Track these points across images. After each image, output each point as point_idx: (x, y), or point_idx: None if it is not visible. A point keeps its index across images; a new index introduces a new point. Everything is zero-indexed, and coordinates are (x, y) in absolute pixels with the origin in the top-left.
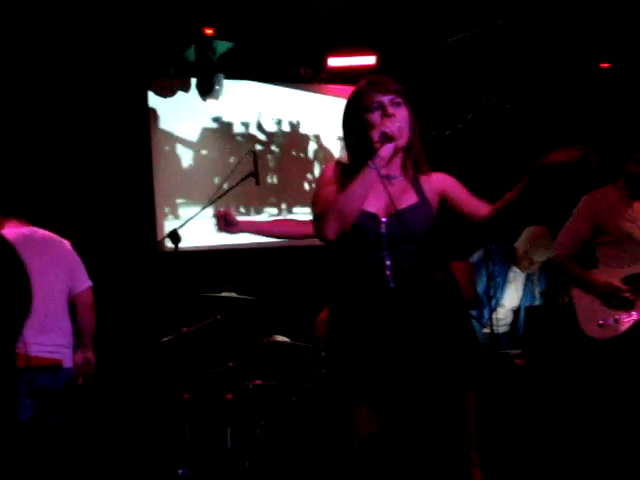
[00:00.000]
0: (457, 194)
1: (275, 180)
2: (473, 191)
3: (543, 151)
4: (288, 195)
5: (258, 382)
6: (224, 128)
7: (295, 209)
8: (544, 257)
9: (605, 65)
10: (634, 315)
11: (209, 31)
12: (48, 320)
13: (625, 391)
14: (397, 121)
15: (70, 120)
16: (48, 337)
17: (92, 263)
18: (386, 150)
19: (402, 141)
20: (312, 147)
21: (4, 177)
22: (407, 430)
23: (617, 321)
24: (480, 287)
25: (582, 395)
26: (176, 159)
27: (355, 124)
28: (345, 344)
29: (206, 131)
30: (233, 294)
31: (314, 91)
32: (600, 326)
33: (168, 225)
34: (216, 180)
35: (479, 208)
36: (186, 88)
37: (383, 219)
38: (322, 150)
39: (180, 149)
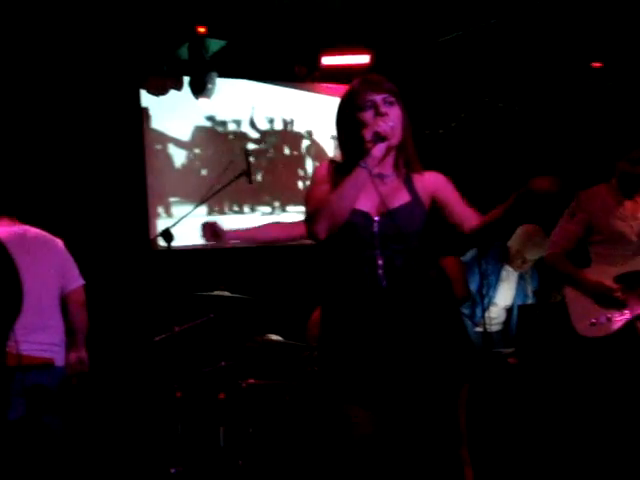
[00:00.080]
0: (447, 199)
1: (268, 179)
2: (466, 190)
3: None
4: (281, 194)
5: (251, 381)
6: (217, 126)
7: (288, 207)
8: (537, 256)
9: (597, 64)
10: (626, 314)
11: (202, 29)
12: (40, 318)
13: (617, 389)
14: (390, 120)
15: (62, 118)
16: (40, 335)
17: (85, 262)
18: (378, 150)
19: (395, 140)
20: (305, 145)
21: None
22: (399, 428)
23: (609, 320)
24: (473, 286)
25: (575, 393)
26: (169, 157)
27: (348, 123)
28: (338, 343)
29: (199, 129)
30: (226, 293)
31: (308, 90)
32: (592, 325)
33: (161, 224)
34: (209, 179)
35: (467, 218)
36: (179, 86)
37: (376, 218)
38: (315, 149)
39: (173, 147)
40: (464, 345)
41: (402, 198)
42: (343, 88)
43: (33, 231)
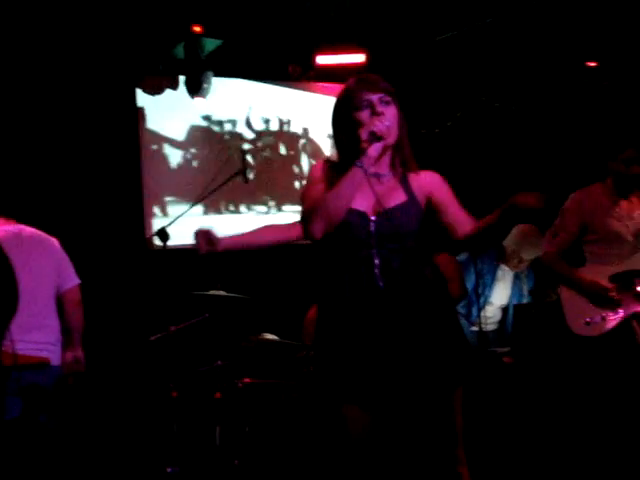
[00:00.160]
0: (443, 201)
1: (264, 178)
2: (462, 189)
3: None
4: (277, 193)
5: (247, 380)
6: (213, 126)
7: (284, 207)
8: (533, 255)
9: (592, 64)
10: (621, 313)
11: (197, 29)
12: (35, 318)
13: (612, 388)
14: (386, 120)
15: (58, 118)
16: (35, 335)
17: (81, 261)
18: (374, 149)
19: (391, 139)
20: (301, 145)
21: None
22: (395, 428)
23: (604, 319)
24: (469, 285)
25: (570, 392)
26: (165, 157)
27: (344, 122)
28: (334, 343)
29: (195, 129)
30: (222, 292)
31: (303, 89)
32: (587, 324)
33: (157, 223)
34: (205, 178)
35: (461, 223)
36: (174, 86)
37: (372, 217)
38: (311, 148)
39: (168, 147)
40: (460, 345)
41: (398, 198)
42: (338, 87)
43: (28, 230)
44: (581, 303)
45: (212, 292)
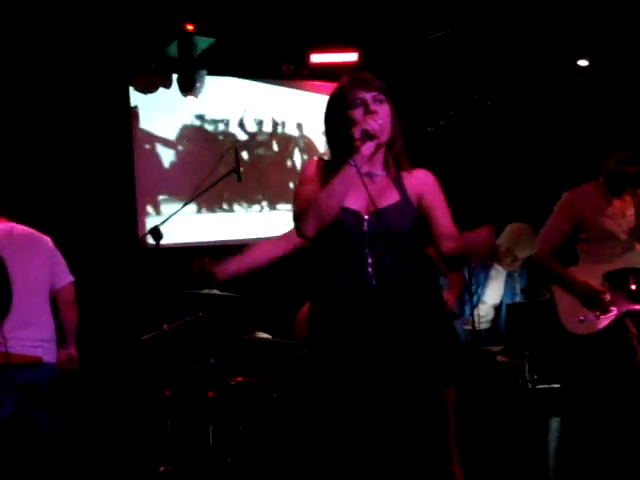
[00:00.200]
0: (430, 208)
1: (257, 176)
2: (455, 188)
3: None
4: (271, 191)
5: (240, 379)
6: (206, 124)
7: (278, 205)
8: (527, 253)
9: (584, 63)
10: (614, 311)
11: (190, 27)
12: (29, 316)
13: (607, 385)
14: (379, 118)
15: (51, 116)
16: (29, 332)
17: (74, 260)
18: (367, 148)
19: (383, 138)
20: (294, 143)
21: None
22: (387, 427)
23: (598, 317)
24: None
25: (564, 390)
26: (158, 155)
27: (337, 121)
28: (326, 342)
29: (188, 127)
30: (215, 291)
31: (296, 87)
32: (581, 322)
33: (150, 222)
34: (198, 176)
35: (444, 238)
36: (167, 84)
37: (365, 217)
38: (305, 146)
39: (162, 145)
40: (453, 344)
41: (392, 197)
42: (332, 86)
43: (20, 228)
44: (575, 301)
45: (205, 291)
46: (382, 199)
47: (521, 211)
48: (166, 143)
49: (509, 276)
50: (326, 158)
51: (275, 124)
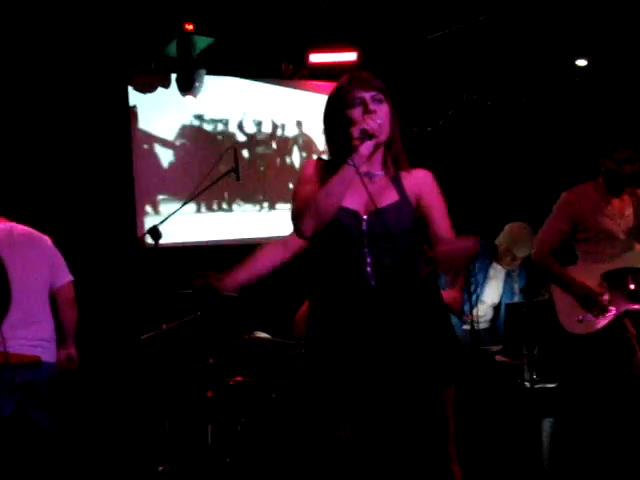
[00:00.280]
0: (428, 209)
1: (257, 176)
2: (454, 187)
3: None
4: (270, 191)
5: (239, 379)
6: (205, 124)
7: (278, 205)
8: (526, 253)
9: (583, 63)
10: (613, 310)
11: (189, 27)
12: (29, 315)
13: (605, 385)
14: (378, 118)
15: (50, 115)
16: (29, 331)
17: (72, 260)
18: (366, 147)
19: (382, 137)
20: (293, 143)
21: None
22: (386, 427)
23: (596, 316)
24: None
25: (563, 389)
26: (157, 155)
27: (336, 120)
28: (325, 341)
29: (187, 127)
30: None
31: (295, 87)
32: (580, 322)
33: (149, 221)
34: (197, 176)
35: (439, 242)
36: (166, 84)
37: (364, 216)
38: (304, 146)
39: (161, 145)
40: (452, 344)
41: (391, 197)
42: (331, 85)
43: (20, 228)
44: (573, 301)
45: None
46: (381, 199)
47: (520, 211)
48: (165, 143)
49: (508, 275)
50: (325, 158)
51: (274, 124)
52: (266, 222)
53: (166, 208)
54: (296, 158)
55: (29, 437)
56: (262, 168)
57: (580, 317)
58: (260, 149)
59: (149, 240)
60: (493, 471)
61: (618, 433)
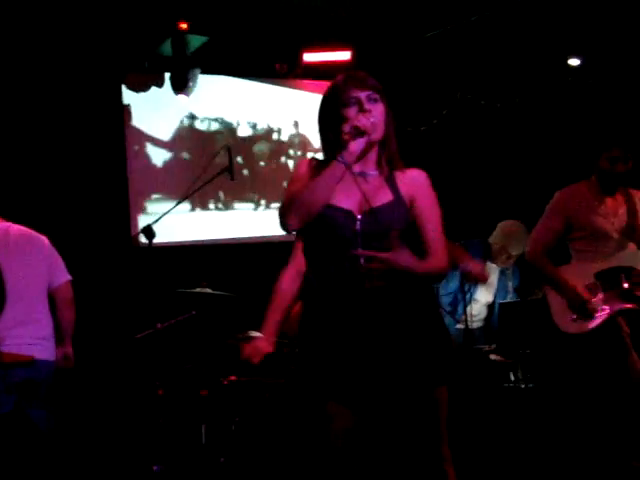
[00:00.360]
0: (421, 210)
1: (251, 175)
2: (448, 187)
3: (517, 147)
4: (264, 190)
5: (233, 378)
6: (199, 123)
7: (272, 204)
8: (520, 251)
9: (576, 62)
10: (607, 310)
11: (183, 25)
12: (26, 314)
13: (599, 384)
14: (372, 117)
15: (43, 115)
16: (27, 330)
17: (66, 258)
18: (356, 145)
19: (376, 136)
20: (288, 142)
21: None
22: (379, 426)
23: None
24: (454, 283)
25: (557, 389)
26: (150, 154)
27: (331, 119)
28: (318, 341)
29: (181, 126)
30: (208, 290)
31: (290, 86)
32: (574, 321)
33: (143, 220)
34: (191, 175)
35: (427, 248)
36: (160, 83)
37: (358, 216)
38: (298, 145)
39: (154, 144)
40: (444, 344)
41: (385, 197)
42: (325, 84)
43: (16, 228)
44: None
45: (198, 290)
46: (375, 198)
47: (514, 209)
48: (159, 142)
49: (502, 274)
50: (319, 157)
51: (268, 123)
52: (260, 221)
53: (160, 207)
54: (291, 157)
55: (27, 435)
56: (256, 167)
57: (574, 316)
58: (254, 148)
59: (143, 239)
60: (487, 472)
61: (613, 432)
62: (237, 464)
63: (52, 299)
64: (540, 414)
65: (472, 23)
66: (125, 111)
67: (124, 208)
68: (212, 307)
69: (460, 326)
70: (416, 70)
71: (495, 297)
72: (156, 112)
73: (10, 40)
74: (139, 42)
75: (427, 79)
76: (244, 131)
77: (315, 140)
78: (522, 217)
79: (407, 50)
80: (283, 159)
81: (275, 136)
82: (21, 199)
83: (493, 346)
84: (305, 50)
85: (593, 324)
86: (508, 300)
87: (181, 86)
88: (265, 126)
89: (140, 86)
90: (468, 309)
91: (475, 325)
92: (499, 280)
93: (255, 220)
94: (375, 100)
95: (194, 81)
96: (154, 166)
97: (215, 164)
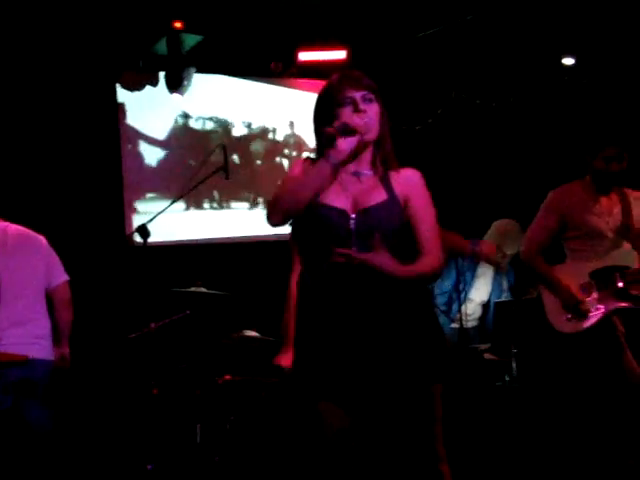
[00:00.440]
0: (415, 210)
1: (246, 174)
2: (443, 186)
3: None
4: (259, 189)
5: (227, 377)
6: (194, 122)
7: None
8: (515, 249)
9: (571, 62)
10: (602, 309)
11: (178, 24)
12: (24, 314)
13: (594, 383)
14: (366, 117)
15: (38, 113)
16: (25, 330)
17: (61, 258)
18: (346, 144)
19: (370, 136)
20: (283, 141)
21: None
22: (373, 425)
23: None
24: (449, 282)
25: (552, 388)
26: (145, 153)
27: (326, 119)
28: (312, 339)
29: (176, 125)
30: (202, 289)
31: (285, 85)
32: (568, 320)
33: (137, 219)
34: (186, 174)
35: (421, 249)
36: (154, 82)
37: (352, 215)
38: (293, 144)
39: (149, 143)
40: (438, 342)
41: (379, 196)
42: (320, 84)
43: (14, 228)
44: None
45: (192, 289)
46: (369, 198)
47: (508, 209)
48: (154, 141)
49: (496, 273)
50: (314, 157)
51: (263, 122)
52: (255, 220)
53: (155, 206)
54: (286, 156)
55: (25, 434)
56: (251, 166)
57: (569, 315)
58: (249, 147)
59: (137, 238)
60: (482, 471)
61: (608, 431)
62: (232, 463)
63: (49, 299)
64: (535, 413)
65: (467, 22)
66: (120, 110)
67: (118, 207)
68: (207, 306)
69: (455, 325)
70: (411, 69)
71: (490, 296)
72: (151, 111)
73: (5, 39)
74: (134, 41)
75: (422, 78)
76: (239, 130)
77: (310, 139)
78: (517, 216)
79: (402, 49)
80: (278, 158)
81: (270, 135)
82: (15, 198)
83: (488, 345)
84: (300, 49)
85: (588, 323)
86: (503, 299)
87: (176, 85)
88: (260, 125)
89: (135, 85)
90: (463, 308)
91: (470, 324)
92: (494, 279)
93: (250, 219)
94: (370, 100)
95: (189, 80)
96: (149, 165)
97: (210, 163)
